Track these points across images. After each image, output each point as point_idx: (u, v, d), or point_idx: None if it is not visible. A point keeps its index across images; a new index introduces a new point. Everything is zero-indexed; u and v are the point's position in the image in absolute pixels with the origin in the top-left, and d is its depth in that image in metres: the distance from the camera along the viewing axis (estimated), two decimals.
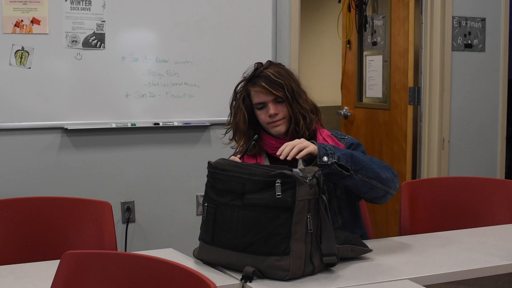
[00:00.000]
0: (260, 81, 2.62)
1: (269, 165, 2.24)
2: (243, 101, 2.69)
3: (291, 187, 2.03)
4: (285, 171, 2.05)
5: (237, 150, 2.75)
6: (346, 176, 2.36)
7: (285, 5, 4.50)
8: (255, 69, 2.68)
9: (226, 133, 2.81)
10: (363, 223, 2.77)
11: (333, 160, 2.32)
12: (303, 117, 2.61)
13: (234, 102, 2.75)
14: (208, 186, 2.24)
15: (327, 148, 2.35)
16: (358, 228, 2.68)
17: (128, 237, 4.20)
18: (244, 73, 2.74)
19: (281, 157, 2.33)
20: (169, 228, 4.27)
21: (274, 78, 2.61)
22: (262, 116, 2.64)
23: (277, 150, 2.44)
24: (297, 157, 2.31)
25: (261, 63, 2.70)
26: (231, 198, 2.13)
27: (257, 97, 2.64)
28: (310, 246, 2.07)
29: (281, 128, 2.62)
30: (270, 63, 2.70)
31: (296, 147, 2.33)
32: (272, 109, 2.61)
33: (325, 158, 2.32)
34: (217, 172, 2.21)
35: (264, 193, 2.05)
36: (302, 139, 2.38)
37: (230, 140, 2.79)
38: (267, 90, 2.60)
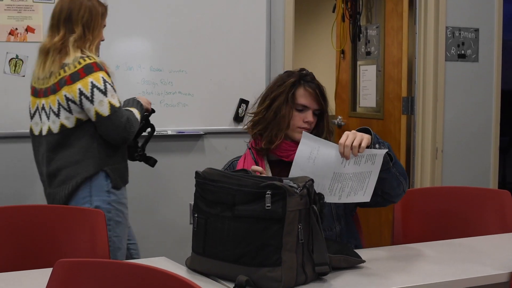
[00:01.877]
0: (313, 86, 2.66)
1: (259, 176, 2.22)
2: (286, 94, 2.65)
3: (281, 198, 2.02)
4: (275, 182, 2.04)
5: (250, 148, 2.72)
6: (387, 168, 2.40)
7: (279, 15, 4.51)
8: (306, 73, 2.71)
9: (252, 120, 2.73)
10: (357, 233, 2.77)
11: (385, 150, 2.35)
12: (324, 135, 2.65)
13: (272, 92, 2.69)
14: (197, 196, 2.22)
15: (378, 137, 2.41)
16: (353, 238, 2.69)
17: None
18: (285, 71, 2.78)
19: (346, 143, 2.30)
20: (162, 236, 4.27)
21: (323, 90, 2.68)
22: (296, 118, 2.65)
23: (286, 153, 2.57)
24: (361, 145, 2.30)
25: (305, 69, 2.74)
26: (221, 209, 2.12)
27: (305, 99, 2.65)
28: (302, 256, 2.07)
29: None
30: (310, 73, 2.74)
31: (358, 137, 2.32)
32: (310, 117, 2.64)
33: (377, 146, 2.37)
34: (206, 182, 2.19)
35: (255, 205, 2.03)
36: (354, 131, 2.36)
37: (248, 128, 2.75)
38: (317, 98, 2.65)
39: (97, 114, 3.05)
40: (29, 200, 3.85)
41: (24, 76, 3.88)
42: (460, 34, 5.06)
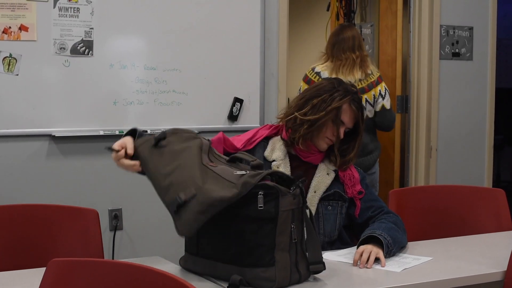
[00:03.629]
0: (359, 107, 2.63)
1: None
2: (330, 102, 2.60)
3: (273, 198, 2.02)
4: (267, 182, 2.04)
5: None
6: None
7: (274, 13, 4.50)
8: (356, 91, 2.67)
9: (288, 114, 2.67)
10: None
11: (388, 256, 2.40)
12: (351, 155, 2.66)
13: (320, 97, 2.62)
14: None
15: (389, 247, 2.39)
16: (345, 245, 2.69)
17: (115, 244, 4.18)
18: (334, 80, 2.71)
19: (360, 266, 2.30)
20: (157, 236, 4.26)
21: (363, 113, 2.68)
22: (329, 130, 2.61)
23: (305, 154, 2.62)
24: (369, 261, 2.31)
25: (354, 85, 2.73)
26: None
27: (347, 117, 2.62)
28: (295, 255, 2.06)
29: (326, 148, 2.66)
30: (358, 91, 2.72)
31: (372, 255, 2.32)
32: (342, 134, 2.62)
33: (385, 255, 2.37)
34: None
35: (247, 205, 2.03)
36: (371, 246, 2.36)
37: (281, 120, 2.72)
38: (358, 119, 2.64)
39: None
40: (22, 199, 3.84)
41: (17, 75, 3.87)
42: (454, 32, 5.06)
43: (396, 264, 2.33)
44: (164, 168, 2.16)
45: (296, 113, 2.63)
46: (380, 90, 4.38)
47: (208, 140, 2.33)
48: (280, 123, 2.73)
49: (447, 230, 3.08)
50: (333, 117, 2.59)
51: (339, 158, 2.65)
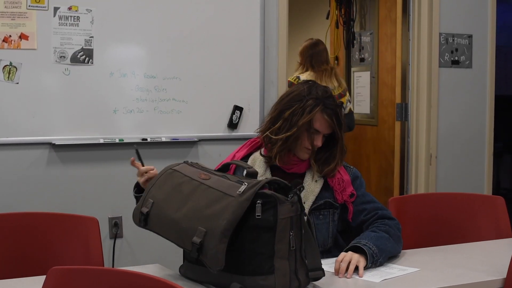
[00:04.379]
0: (331, 113, 2.55)
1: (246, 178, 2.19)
2: (301, 115, 2.54)
3: (272, 207, 2.01)
4: (265, 191, 2.04)
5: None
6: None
7: (273, 22, 4.51)
8: (329, 95, 2.58)
9: (264, 130, 2.63)
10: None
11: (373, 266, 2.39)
12: (336, 161, 2.62)
13: (290, 109, 2.56)
14: None
15: (374, 257, 2.37)
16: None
17: (115, 252, 4.18)
18: (306, 82, 2.65)
19: (340, 276, 2.29)
20: (157, 243, 4.25)
21: (339, 116, 2.58)
22: (305, 139, 2.55)
23: (288, 166, 2.57)
24: (349, 271, 2.30)
25: (327, 88, 2.63)
26: None
27: (320, 125, 2.55)
28: (295, 262, 2.06)
29: (308, 157, 2.60)
30: (331, 95, 2.63)
31: (352, 264, 2.30)
32: (320, 142, 2.57)
33: (369, 265, 2.36)
34: None
35: (246, 214, 2.03)
36: (351, 254, 2.35)
37: (260, 132, 2.67)
38: (333, 126, 2.57)
39: None
40: (22, 207, 3.84)
41: (18, 83, 3.88)
42: (453, 40, 5.07)
43: (378, 275, 2.31)
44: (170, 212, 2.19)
45: (267, 133, 2.59)
46: (348, 96, 5.13)
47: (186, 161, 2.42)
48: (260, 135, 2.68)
49: (447, 237, 3.08)
50: (307, 128, 2.54)
51: (324, 167, 2.60)
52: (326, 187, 2.63)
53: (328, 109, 2.55)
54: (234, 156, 2.71)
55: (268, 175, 2.61)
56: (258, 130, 2.70)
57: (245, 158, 2.69)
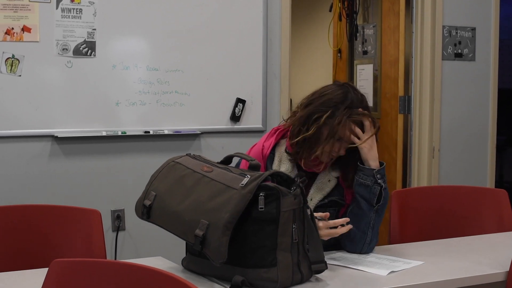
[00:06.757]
0: (359, 122, 2.51)
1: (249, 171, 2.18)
2: (330, 124, 2.47)
3: (274, 199, 2.01)
4: (268, 183, 2.04)
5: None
6: (370, 206, 2.46)
7: (276, 14, 4.51)
8: (358, 101, 2.52)
9: (290, 128, 2.60)
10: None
11: (382, 184, 2.45)
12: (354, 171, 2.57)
13: (318, 113, 2.50)
14: None
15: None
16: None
17: (118, 245, 4.19)
18: (343, 86, 2.56)
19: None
20: (159, 236, 4.25)
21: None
22: (328, 146, 2.49)
23: (307, 165, 2.55)
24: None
25: (363, 97, 2.56)
26: None
27: (345, 134, 2.49)
28: (297, 255, 2.06)
29: (328, 161, 2.57)
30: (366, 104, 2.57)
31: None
32: (343, 150, 2.53)
33: (380, 181, 2.43)
34: None
35: (249, 206, 2.02)
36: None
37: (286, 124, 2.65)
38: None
39: None
40: (25, 200, 3.84)
41: (20, 76, 3.88)
42: (457, 33, 5.06)
43: (384, 268, 2.30)
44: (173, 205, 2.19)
45: (300, 136, 2.52)
46: None
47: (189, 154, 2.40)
48: (286, 124, 2.64)
49: (450, 230, 3.08)
50: (333, 136, 2.48)
51: (343, 175, 2.59)
52: (337, 186, 2.61)
53: (356, 116, 2.50)
54: (262, 146, 2.64)
55: (295, 172, 2.57)
56: (285, 122, 2.66)
57: (272, 150, 2.62)
